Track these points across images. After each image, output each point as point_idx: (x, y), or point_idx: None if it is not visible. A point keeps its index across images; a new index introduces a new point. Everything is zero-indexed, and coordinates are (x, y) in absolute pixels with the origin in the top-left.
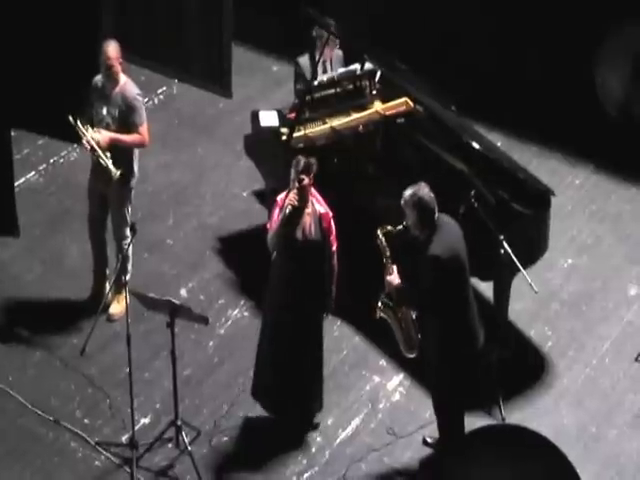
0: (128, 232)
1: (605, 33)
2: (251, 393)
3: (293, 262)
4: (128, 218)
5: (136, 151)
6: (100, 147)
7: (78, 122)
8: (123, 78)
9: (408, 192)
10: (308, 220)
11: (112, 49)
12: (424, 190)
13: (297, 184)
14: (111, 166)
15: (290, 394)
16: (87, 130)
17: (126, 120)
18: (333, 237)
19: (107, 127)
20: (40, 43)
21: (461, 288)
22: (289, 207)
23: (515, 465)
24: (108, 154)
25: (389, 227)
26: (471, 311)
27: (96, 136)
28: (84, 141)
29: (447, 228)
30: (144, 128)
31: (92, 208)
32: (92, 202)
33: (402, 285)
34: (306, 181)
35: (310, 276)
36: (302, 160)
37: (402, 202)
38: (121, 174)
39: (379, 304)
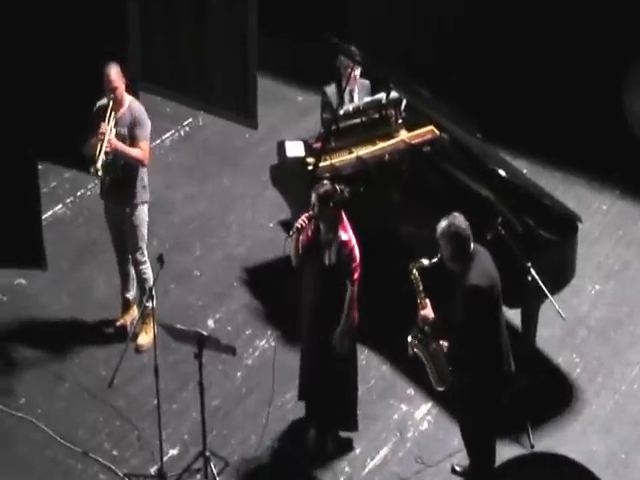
0: (146, 256)
1: (634, 55)
2: (298, 398)
3: (316, 285)
4: (145, 240)
5: (145, 169)
6: (106, 144)
7: (110, 108)
8: (129, 98)
9: (443, 224)
10: (329, 245)
11: (114, 72)
12: (459, 220)
13: (312, 208)
14: (99, 162)
15: (327, 408)
16: (111, 122)
17: (133, 135)
18: (355, 265)
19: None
20: (68, 78)
21: (496, 317)
22: (294, 230)
23: None
24: (104, 156)
25: (423, 261)
26: (504, 339)
27: (112, 135)
28: (103, 127)
29: (482, 257)
30: (146, 144)
31: (112, 233)
32: (110, 227)
33: (437, 319)
34: (321, 207)
35: (331, 300)
36: (323, 186)
37: (437, 234)
38: (95, 170)
39: (412, 340)
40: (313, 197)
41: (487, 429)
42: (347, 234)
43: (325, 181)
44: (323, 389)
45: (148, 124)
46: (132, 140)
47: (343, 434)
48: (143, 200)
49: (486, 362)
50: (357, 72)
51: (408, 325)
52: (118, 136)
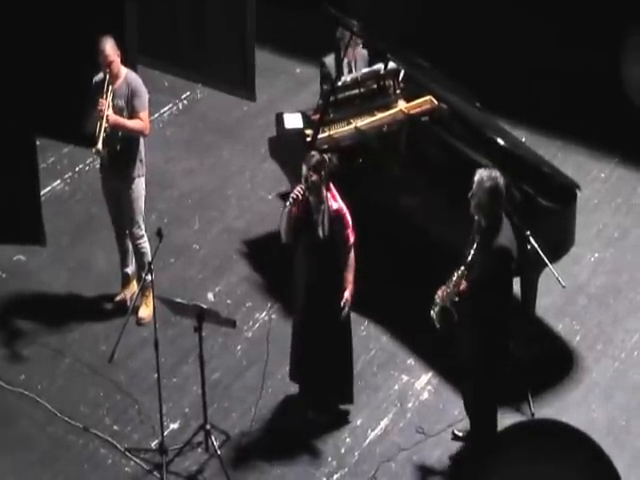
0: (143, 230)
1: (632, 22)
2: (289, 378)
3: (310, 259)
4: (142, 214)
5: (142, 142)
6: (105, 121)
7: (106, 82)
8: (124, 70)
9: (486, 173)
10: (322, 217)
11: (109, 46)
12: (502, 181)
13: (304, 180)
14: (100, 141)
15: (321, 383)
16: (109, 97)
17: (131, 106)
18: (349, 232)
19: None
20: (65, 53)
21: (510, 287)
22: (290, 201)
23: (554, 460)
24: (103, 134)
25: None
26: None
27: (110, 111)
28: (102, 103)
29: (507, 225)
30: (145, 114)
31: (110, 208)
32: (108, 201)
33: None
34: (314, 178)
35: (327, 272)
36: (314, 157)
37: (477, 178)
38: (96, 151)
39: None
40: (304, 169)
41: (488, 399)
42: (337, 202)
43: (313, 152)
44: (318, 365)
45: (145, 94)
46: (131, 112)
47: (341, 406)
48: (140, 173)
49: (493, 330)
50: (359, 47)
51: (408, 298)
52: (115, 108)
